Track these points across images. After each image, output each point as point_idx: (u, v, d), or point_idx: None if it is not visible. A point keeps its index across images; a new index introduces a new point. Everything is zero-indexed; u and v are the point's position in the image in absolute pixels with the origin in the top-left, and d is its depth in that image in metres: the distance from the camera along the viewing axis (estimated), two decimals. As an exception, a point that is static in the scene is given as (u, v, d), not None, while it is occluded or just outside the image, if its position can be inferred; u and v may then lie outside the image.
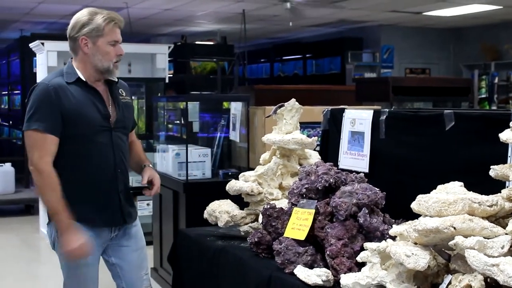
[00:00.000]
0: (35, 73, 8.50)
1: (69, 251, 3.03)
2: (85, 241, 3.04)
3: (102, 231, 3.22)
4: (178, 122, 6.85)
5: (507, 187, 2.38)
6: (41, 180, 3.03)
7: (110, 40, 3.13)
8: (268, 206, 2.90)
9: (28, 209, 9.78)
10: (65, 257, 3.10)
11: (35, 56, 8.37)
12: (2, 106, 15.28)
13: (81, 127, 3.08)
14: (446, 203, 2.16)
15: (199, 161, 5.13)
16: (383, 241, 2.33)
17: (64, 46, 7.61)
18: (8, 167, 9.94)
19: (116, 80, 3.28)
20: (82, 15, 3.17)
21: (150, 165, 3.39)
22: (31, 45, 8.04)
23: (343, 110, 3.65)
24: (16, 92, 13.38)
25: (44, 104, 3.04)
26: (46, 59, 7.45)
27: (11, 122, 14.00)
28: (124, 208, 3.24)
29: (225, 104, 5.92)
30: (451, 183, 2.38)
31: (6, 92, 14.50)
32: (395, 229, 2.31)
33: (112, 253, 3.34)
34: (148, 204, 7.13)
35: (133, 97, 3.54)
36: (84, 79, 3.15)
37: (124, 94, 3.32)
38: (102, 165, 3.13)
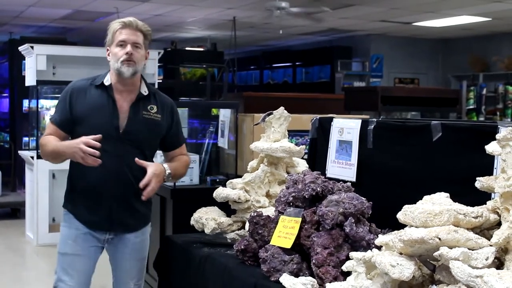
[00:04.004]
0: (24, 76, 8.47)
1: (79, 148, 3.03)
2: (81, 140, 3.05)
3: (96, 231, 3.29)
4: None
5: (492, 198, 2.40)
6: (40, 148, 3.33)
7: (117, 42, 3.20)
8: (255, 214, 2.91)
9: (14, 212, 9.74)
10: (82, 155, 3.03)
11: (24, 59, 8.35)
12: (-10, 109, 15.20)
13: (86, 129, 3.15)
14: (432, 214, 2.17)
15: (187, 168, 5.12)
16: (369, 250, 2.33)
17: (53, 49, 7.64)
18: (-6, 170, 9.90)
19: (145, 93, 3.30)
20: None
21: (167, 170, 3.28)
22: (20, 48, 8.02)
23: (331, 119, 3.66)
24: (4, 95, 13.31)
25: (60, 101, 3.33)
26: (35, 62, 7.45)
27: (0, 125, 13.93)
28: (116, 215, 3.25)
29: (214, 110, 5.92)
30: (437, 194, 2.39)
31: (-5, 95, 14.43)
32: (381, 239, 2.32)
33: (110, 254, 3.41)
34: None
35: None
36: (106, 84, 3.25)
37: (154, 111, 3.30)
38: (98, 169, 3.12)
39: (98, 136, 3.03)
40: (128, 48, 3.18)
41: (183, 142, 3.52)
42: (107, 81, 3.26)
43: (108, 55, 3.27)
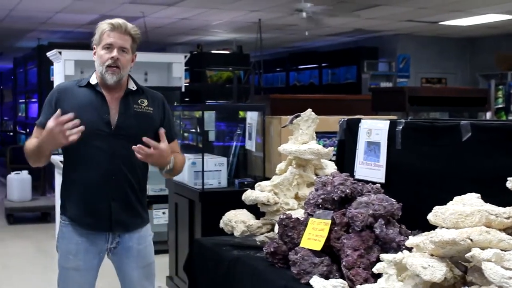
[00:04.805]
0: (52, 81, 8.56)
1: (51, 129, 2.99)
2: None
3: (96, 238, 3.26)
4: (194, 131, 6.87)
5: (524, 199, 2.37)
6: (25, 154, 3.25)
7: (104, 44, 3.18)
8: (284, 216, 2.90)
9: (44, 216, 9.85)
10: (59, 135, 2.99)
11: (52, 64, 8.44)
12: (20, 114, 15.39)
13: None
14: (463, 215, 2.15)
15: (215, 170, 5.14)
16: (399, 252, 2.32)
17: (81, 55, 7.75)
18: (25, 174, 10.02)
19: (134, 88, 3.29)
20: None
21: (171, 163, 3.26)
22: (48, 54, 8.10)
23: (359, 120, 3.64)
24: (33, 100, 13.47)
25: (46, 104, 3.27)
26: (63, 67, 7.50)
27: (28, 130, 14.09)
28: (115, 215, 3.22)
29: (241, 113, 5.93)
30: (468, 194, 2.37)
31: (23, 100, 14.61)
32: (411, 241, 2.31)
33: (116, 265, 3.39)
34: (163, 213, 7.14)
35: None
36: (93, 83, 3.24)
37: (145, 104, 3.28)
38: (93, 168, 3.13)
39: (69, 115, 2.97)
40: (114, 52, 3.16)
41: (175, 138, 3.47)
42: (93, 80, 3.25)
43: (94, 54, 3.25)
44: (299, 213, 3.05)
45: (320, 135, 4.60)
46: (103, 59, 3.16)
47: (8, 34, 13.32)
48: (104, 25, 3.21)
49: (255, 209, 3.37)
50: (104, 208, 3.20)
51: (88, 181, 3.16)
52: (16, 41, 14.70)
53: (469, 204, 2.27)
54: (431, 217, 2.26)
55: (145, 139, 3.07)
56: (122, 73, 3.19)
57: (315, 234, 2.70)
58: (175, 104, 7.76)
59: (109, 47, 3.16)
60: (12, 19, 11.28)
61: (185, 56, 8.28)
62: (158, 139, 3.25)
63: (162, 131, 3.16)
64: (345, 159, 3.73)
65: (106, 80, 3.17)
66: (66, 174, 3.31)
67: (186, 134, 6.93)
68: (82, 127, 2.97)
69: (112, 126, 3.18)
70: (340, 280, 2.50)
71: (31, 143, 3.18)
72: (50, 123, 2.97)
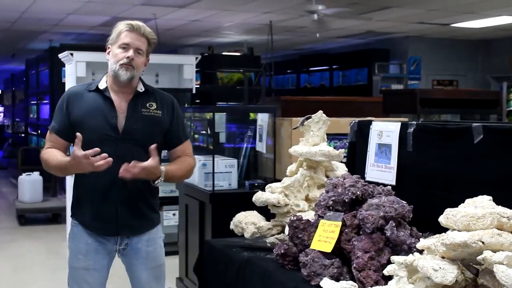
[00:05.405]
0: (64, 83, 8.57)
1: (79, 162, 3.00)
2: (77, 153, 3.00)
3: (106, 240, 3.28)
4: (204, 132, 6.87)
5: (536, 201, 2.35)
6: (42, 163, 3.27)
7: (120, 43, 3.19)
8: (295, 218, 2.90)
9: (55, 217, 9.87)
10: (86, 168, 3.01)
11: (64, 66, 8.46)
12: (31, 116, 15.45)
13: (85, 132, 3.10)
14: (475, 217, 2.14)
15: (226, 172, 5.14)
16: (410, 254, 2.31)
17: (93, 56, 7.76)
18: (36, 176, 10.05)
19: (141, 90, 3.28)
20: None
21: (162, 170, 3.19)
22: (60, 55, 8.12)
23: (370, 122, 3.63)
24: (45, 102, 13.51)
25: (57, 109, 3.33)
26: (75, 69, 7.52)
27: (39, 131, 14.14)
28: (121, 220, 3.23)
29: (252, 115, 5.93)
30: (480, 197, 2.35)
31: (35, 102, 14.66)
32: (422, 243, 2.30)
33: (126, 266, 3.40)
34: (174, 214, 7.15)
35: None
36: (101, 88, 3.24)
37: (153, 107, 3.27)
38: (101, 173, 3.07)
39: (94, 150, 2.98)
40: (130, 52, 3.17)
41: (185, 140, 3.42)
42: (102, 84, 3.26)
43: (108, 53, 3.26)
44: (309, 215, 3.04)
45: (331, 137, 4.60)
46: (118, 57, 3.17)
47: (21, 36, 13.39)
48: (122, 26, 3.23)
49: (266, 211, 3.36)
50: (111, 212, 3.22)
51: (95, 186, 3.17)
52: (28, 43, 14.78)
53: (480, 206, 2.26)
54: (442, 219, 2.25)
55: (133, 162, 3.04)
56: (136, 72, 3.21)
57: (325, 236, 2.69)
58: (185, 105, 7.77)
59: (125, 47, 3.18)
60: (24, 21, 11.34)
61: (196, 58, 8.29)
62: (167, 142, 3.33)
63: (153, 146, 3.10)
64: (356, 161, 3.73)
65: (120, 76, 3.17)
66: (76, 178, 3.32)
67: (196, 136, 6.94)
68: (110, 160, 2.98)
69: (120, 131, 3.19)
70: (351, 282, 2.50)
71: (54, 158, 3.19)
72: (77, 152, 2.98)
